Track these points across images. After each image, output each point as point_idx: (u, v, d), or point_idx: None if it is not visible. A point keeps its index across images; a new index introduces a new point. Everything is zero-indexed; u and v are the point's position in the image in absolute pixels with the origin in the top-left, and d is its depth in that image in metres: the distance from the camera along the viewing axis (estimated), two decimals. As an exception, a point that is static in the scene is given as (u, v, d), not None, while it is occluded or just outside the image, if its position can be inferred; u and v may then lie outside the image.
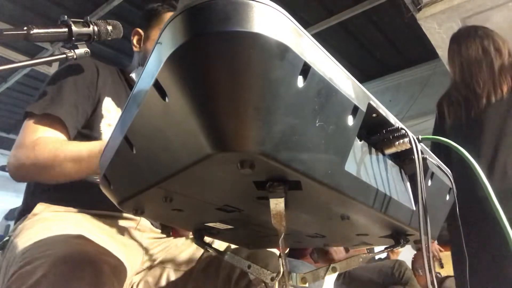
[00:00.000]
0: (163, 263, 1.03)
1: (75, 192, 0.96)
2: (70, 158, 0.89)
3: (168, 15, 1.22)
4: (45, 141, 0.93)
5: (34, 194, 1.01)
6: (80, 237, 0.81)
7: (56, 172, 0.91)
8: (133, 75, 1.19)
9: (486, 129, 1.52)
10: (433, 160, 0.61)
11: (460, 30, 1.81)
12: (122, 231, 1.02)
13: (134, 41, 1.24)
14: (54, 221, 0.90)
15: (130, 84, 1.20)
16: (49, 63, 1.61)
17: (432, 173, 0.61)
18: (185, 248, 1.06)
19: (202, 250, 1.02)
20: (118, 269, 0.77)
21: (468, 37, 1.68)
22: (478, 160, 1.46)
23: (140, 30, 1.24)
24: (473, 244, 1.44)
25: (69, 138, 1.00)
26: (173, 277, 1.00)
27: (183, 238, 1.11)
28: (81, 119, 1.03)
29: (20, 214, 1.00)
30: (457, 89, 1.62)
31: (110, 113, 1.08)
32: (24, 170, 0.94)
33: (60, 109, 0.98)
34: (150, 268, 1.03)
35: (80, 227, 0.88)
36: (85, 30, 0.92)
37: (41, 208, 0.95)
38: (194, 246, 1.04)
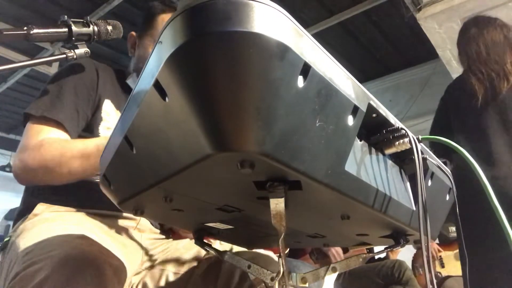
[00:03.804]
0: (162, 265, 1.03)
1: (74, 192, 0.96)
2: (78, 154, 0.88)
3: (163, 16, 1.19)
4: (50, 141, 0.93)
5: (33, 195, 1.01)
6: (82, 237, 0.81)
7: (63, 170, 0.90)
8: (129, 81, 1.17)
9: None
10: (433, 160, 0.60)
11: (476, 18, 1.91)
12: (122, 231, 1.01)
13: (129, 46, 1.22)
14: (56, 222, 0.90)
15: (128, 87, 1.17)
16: (49, 63, 1.60)
17: (432, 173, 0.61)
18: (185, 251, 1.05)
19: (202, 254, 1.02)
20: (119, 270, 0.77)
21: (489, 24, 1.79)
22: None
23: (134, 34, 1.22)
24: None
25: None
26: (172, 279, 1.00)
27: (184, 240, 1.10)
28: (82, 122, 1.03)
29: (20, 214, 1.00)
30: (485, 64, 1.70)
31: (110, 116, 1.07)
32: (31, 173, 0.93)
33: (61, 113, 0.98)
34: (149, 269, 1.03)
35: (81, 226, 0.88)
36: (85, 30, 0.92)
37: (41, 208, 0.95)
38: (195, 249, 1.04)
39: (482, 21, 1.85)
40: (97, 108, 1.06)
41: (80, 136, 1.03)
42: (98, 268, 0.71)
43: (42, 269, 0.68)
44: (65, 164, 0.89)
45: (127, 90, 1.16)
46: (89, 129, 1.04)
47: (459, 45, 1.87)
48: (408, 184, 0.59)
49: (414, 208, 0.58)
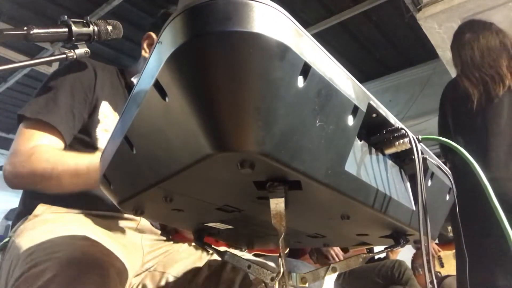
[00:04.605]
0: (163, 268, 1.02)
1: (74, 193, 0.96)
2: (68, 171, 0.88)
3: None
4: (41, 150, 0.92)
5: (32, 196, 1.00)
6: (85, 239, 0.81)
7: (52, 184, 0.90)
8: (134, 80, 1.16)
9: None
10: (433, 160, 0.61)
11: (471, 22, 1.92)
12: (122, 232, 1.01)
13: (145, 45, 1.19)
14: (57, 223, 0.89)
15: (130, 87, 1.16)
16: (49, 63, 1.61)
17: (432, 173, 0.61)
18: (186, 256, 1.05)
19: (203, 260, 1.02)
20: (121, 271, 0.77)
21: (484, 29, 1.80)
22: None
23: (153, 35, 1.19)
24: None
25: (65, 145, 0.99)
26: (172, 284, 0.99)
27: (185, 244, 1.10)
28: (78, 124, 1.02)
29: (19, 216, 0.99)
30: (479, 69, 1.71)
31: (107, 118, 1.06)
32: (20, 179, 0.93)
33: (55, 116, 0.96)
34: (149, 270, 1.03)
35: (83, 227, 0.88)
36: (85, 30, 0.92)
37: (42, 209, 0.95)
38: (196, 255, 1.04)
39: (477, 25, 1.85)
40: (94, 109, 1.05)
41: (76, 138, 1.02)
42: (102, 269, 0.71)
43: (48, 270, 0.68)
44: (55, 178, 0.89)
45: (128, 91, 1.15)
46: (86, 132, 1.03)
47: (453, 48, 1.88)
48: (408, 184, 0.59)
49: (414, 208, 0.58)
